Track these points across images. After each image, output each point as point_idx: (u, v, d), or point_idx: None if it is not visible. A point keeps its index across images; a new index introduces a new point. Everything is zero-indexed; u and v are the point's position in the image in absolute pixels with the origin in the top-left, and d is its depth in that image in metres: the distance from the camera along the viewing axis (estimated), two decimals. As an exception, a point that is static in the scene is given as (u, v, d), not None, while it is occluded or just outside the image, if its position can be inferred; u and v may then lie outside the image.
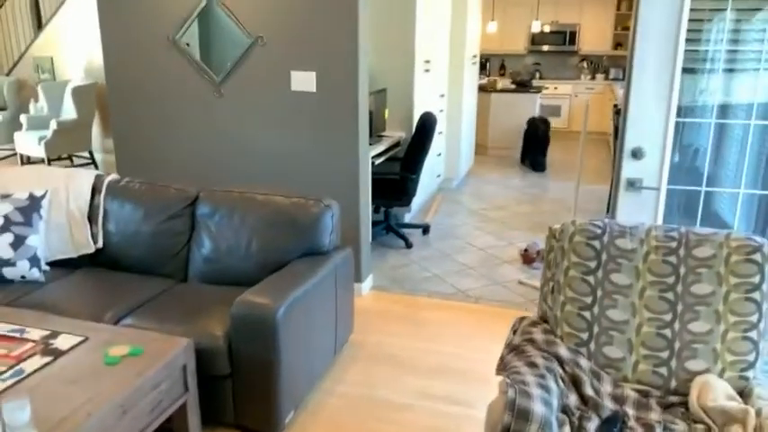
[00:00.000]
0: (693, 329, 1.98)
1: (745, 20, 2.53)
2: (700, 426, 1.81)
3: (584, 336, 2.08)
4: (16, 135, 6.88)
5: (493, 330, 3.51)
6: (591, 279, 2.09)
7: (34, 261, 2.87)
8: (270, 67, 3.76)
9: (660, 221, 2.66)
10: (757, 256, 1.97)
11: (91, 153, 7.27)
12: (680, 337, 1.99)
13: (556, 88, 10.68)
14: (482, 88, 8.32)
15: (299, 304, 2.51)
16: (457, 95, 6.52)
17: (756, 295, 1.95)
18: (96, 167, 7.33)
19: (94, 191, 3.17)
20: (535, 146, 7.80)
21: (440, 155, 6.31)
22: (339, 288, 2.95)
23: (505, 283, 4.20)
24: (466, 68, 6.52)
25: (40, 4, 7.86)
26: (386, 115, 5.14)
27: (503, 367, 2.02)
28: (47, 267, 2.99)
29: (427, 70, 5.47)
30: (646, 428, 1.83)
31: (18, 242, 2.84)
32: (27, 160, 7.11)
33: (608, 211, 4.10)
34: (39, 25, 7.80)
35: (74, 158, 7.50)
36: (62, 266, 3.06)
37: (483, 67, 10.87)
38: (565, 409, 1.89)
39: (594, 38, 10.58)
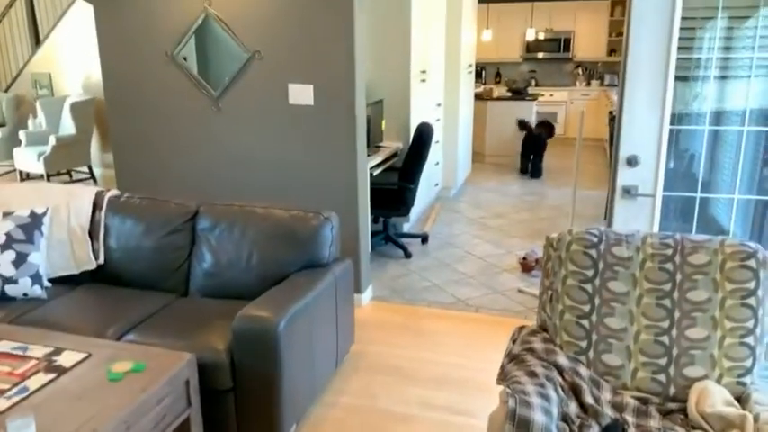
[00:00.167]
0: (691, 336, 2.00)
1: (736, 27, 2.56)
2: (699, 432, 1.83)
3: (583, 344, 2.10)
4: (15, 151, 6.91)
5: (493, 339, 3.53)
6: (589, 287, 2.12)
7: (36, 278, 2.88)
8: (267, 81, 3.79)
9: (656, 228, 2.68)
10: (752, 262, 1.99)
11: (90, 168, 7.30)
12: (678, 344, 2.01)
13: (551, 95, 10.74)
14: (478, 97, 8.37)
15: (301, 317, 2.53)
16: (453, 105, 6.56)
17: (752, 301, 1.97)
18: (95, 182, 7.35)
19: (95, 207, 3.20)
20: (534, 151, 7.84)
21: (437, 164, 6.34)
22: (339, 299, 2.97)
23: (505, 291, 4.22)
24: (462, 77, 6.57)
25: (38, 20, 7.90)
26: (383, 126, 5.18)
27: (503, 377, 2.04)
28: (49, 284, 3.01)
29: (423, 80, 5.51)
30: (645, 435, 1.84)
31: (20, 260, 2.86)
32: (26, 176, 7.14)
33: (605, 218, 4.12)
34: (37, 41, 7.84)
35: (72, 173, 7.53)
36: (63, 283, 3.08)
37: (479, 75, 10.93)
38: (565, 418, 1.90)
39: (589, 44, 10.65)
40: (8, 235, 2.88)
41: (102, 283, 3.13)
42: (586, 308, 2.11)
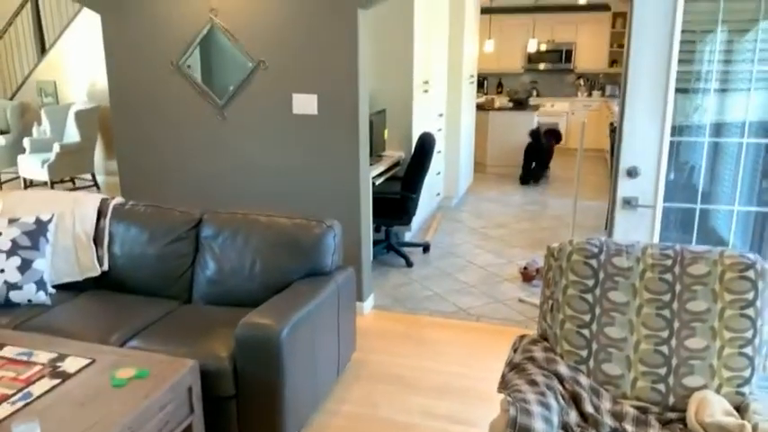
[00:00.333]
0: (690, 346, 2.02)
1: (735, 40, 2.59)
2: (698, 441, 1.84)
3: (584, 353, 2.11)
4: (20, 158, 6.96)
5: (494, 348, 3.54)
6: (589, 297, 2.13)
7: (41, 284, 2.91)
8: (272, 91, 3.83)
9: (656, 239, 2.70)
10: (750, 273, 2.01)
11: (93, 175, 7.33)
12: (677, 354, 2.03)
13: (553, 106, 10.78)
14: (480, 107, 8.41)
15: (303, 325, 2.55)
16: (455, 115, 6.60)
17: (750, 311, 1.99)
18: (98, 189, 7.39)
19: (100, 214, 3.22)
20: (538, 159, 7.87)
21: (439, 173, 6.37)
22: (341, 308, 2.98)
23: (506, 301, 4.24)
24: (464, 88, 6.61)
25: (44, 28, 7.97)
26: (385, 135, 5.21)
27: (504, 385, 2.05)
28: (53, 290, 3.03)
29: (426, 90, 5.55)
30: (645, 444, 1.86)
31: (25, 266, 2.88)
32: (30, 183, 7.17)
33: (606, 228, 4.14)
34: (42, 50, 7.91)
35: (76, 181, 7.57)
36: (68, 289, 3.10)
37: (480, 85, 10.98)
38: (565, 426, 1.91)
39: (590, 56, 10.71)
40: (13, 241, 2.91)
41: (106, 289, 3.15)
42: (587, 317, 2.12)
